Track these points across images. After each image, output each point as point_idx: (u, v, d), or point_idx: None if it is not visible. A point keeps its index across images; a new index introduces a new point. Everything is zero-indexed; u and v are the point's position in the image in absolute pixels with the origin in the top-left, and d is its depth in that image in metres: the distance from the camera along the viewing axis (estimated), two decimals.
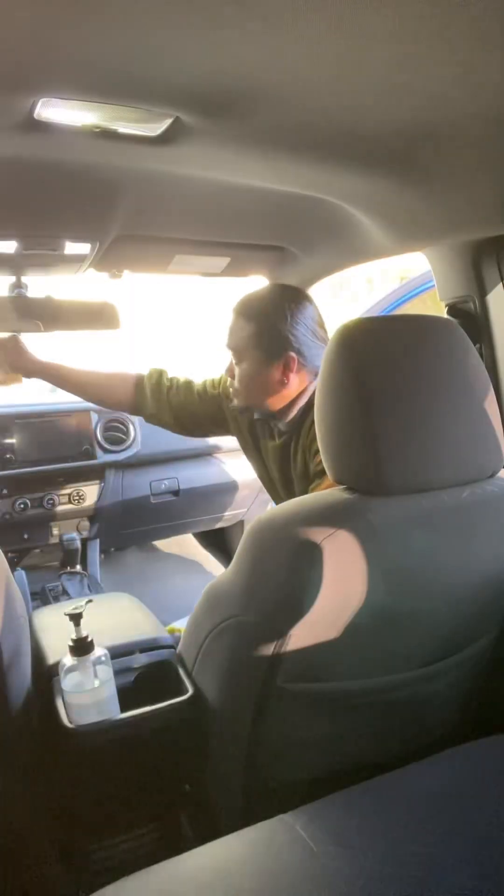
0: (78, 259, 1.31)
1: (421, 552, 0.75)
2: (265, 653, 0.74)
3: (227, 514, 2.31)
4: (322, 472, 1.11)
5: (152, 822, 0.99)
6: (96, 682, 0.85)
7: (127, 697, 0.89)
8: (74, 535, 1.97)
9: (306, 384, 1.25)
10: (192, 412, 1.48)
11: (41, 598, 1.92)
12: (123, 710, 0.87)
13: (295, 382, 1.24)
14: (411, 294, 1.85)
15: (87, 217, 1.15)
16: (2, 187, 0.99)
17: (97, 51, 0.60)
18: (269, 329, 1.21)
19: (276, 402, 1.26)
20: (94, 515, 2.02)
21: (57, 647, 0.96)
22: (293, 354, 1.21)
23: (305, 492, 1.23)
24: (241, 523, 2.42)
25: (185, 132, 0.78)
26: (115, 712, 0.86)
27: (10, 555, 1.93)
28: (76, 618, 0.86)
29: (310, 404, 1.21)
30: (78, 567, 1.97)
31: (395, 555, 0.74)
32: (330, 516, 0.73)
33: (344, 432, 0.76)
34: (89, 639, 0.86)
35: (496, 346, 1.20)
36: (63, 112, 0.73)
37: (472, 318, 1.20)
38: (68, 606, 0.88)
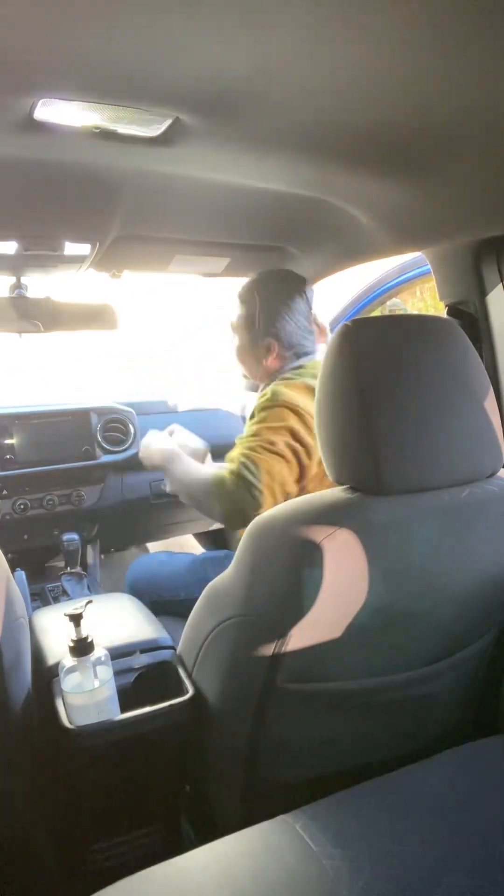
0: (78, 259, 1.31)
1: (421, 552, 0.75)
2: (265, 652, 0.74)
3: None
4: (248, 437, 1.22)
5: (152, 822, 0.99)
6: (96, 683, 0.85)
7: (127, 698, 0.89)
8: (74, 535, 1.97)
9: (282, 363, 1.38)
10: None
11: (41, 598, 1.91)
12: (123, 710, 0.87)
13: (273, 363, 1.38)
14: (380, 292, 1.85)
15: (86, 217, 1.15)
16: (2, 188, 0.99)
17: (97, 51, 0.60)
18: (256, 315, 1.36)
19: (258, 376, 1.44)
20: (95, 516, 2.01)
21: (57, 647, 0.96)
22: (272, 340, 1.36)
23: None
24: None
25: (185, 133, 0.78)
26: (115, 713, 0.86)
27: (9, 555, 1.92)
28: (76, 618, 0.85)
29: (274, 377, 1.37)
30: (78, 568, 1.97)
31: (394, 554, 0.74)
32: (330, 516, 0.73)
33: (344, 432, 0.76)
34: (89, 639, 0.86)
35: (496, 347, 1.20)
36: (63, 112, 0.73)
37: (472, 319, 1.20)
38: (68, 607, 0.88)
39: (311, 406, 1.18)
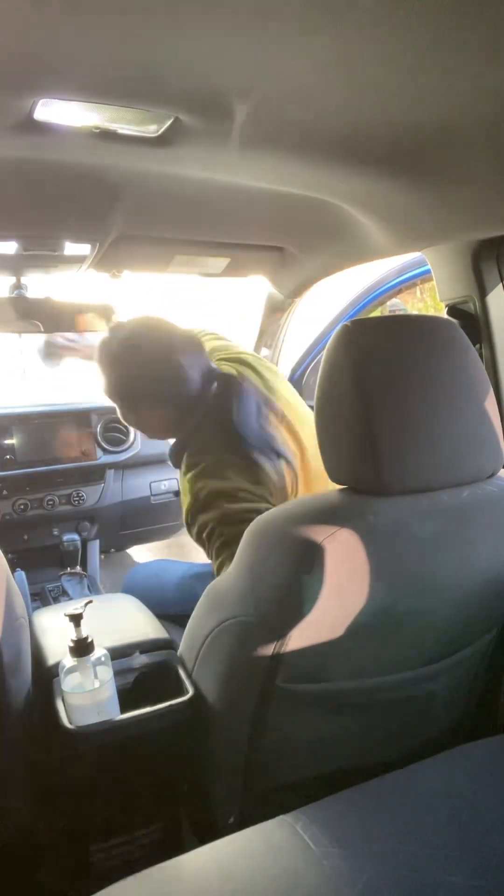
0: (78, 259, 1.31)
1: (421, 552, 0.75)
2: (265, 653, 0.74)
3: None
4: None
5: (152, 822, 0.99)
6: (96, 683, 0.85)
7: (127, 698, 0.89)
8: (74, 535, 1.97)
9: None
10: None
11: (41, 598, 1.92)
12: (123, 710, 0.87)
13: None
14: (379, 293, 1.85)
15: (87, 217, 1.15)
16: (2, 188, 0.99)
17: (97, 52, 0.60)
18: None
19: None
20: (94, 516, 2.01)
21: (57, 648, 0.96)
22: None
23: None
24: None
25: (185, 132, 0.78)
26: (115, 713, 0.86)
27: (10, 555, 1.93)
28: (76, 619, 0.86)
29: None
30: (78, 568, 1.97)
31: (395, 555, 0.74)
32: (330, 516, 0.73)
33: (343, 433, 0.76)
34: (89, 639, 0.86)
35: (496, 346, 1.20)
36: (62, 113, 0.73)
37: (472, 319, 1.20)
38: (68, 607, 0.88)
39: None
